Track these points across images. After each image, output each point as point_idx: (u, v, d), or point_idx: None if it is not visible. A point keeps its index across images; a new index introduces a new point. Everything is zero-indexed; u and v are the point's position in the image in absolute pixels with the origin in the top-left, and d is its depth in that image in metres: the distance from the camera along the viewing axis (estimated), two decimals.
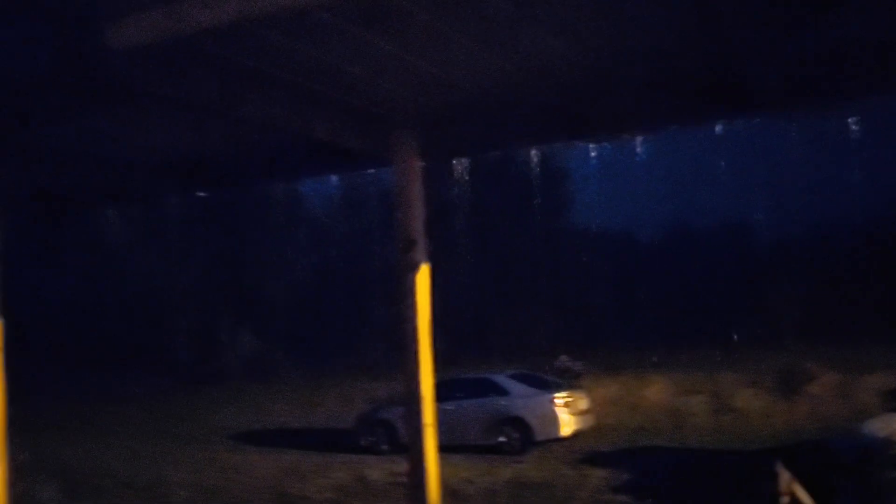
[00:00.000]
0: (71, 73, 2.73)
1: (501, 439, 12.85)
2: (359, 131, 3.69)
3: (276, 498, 10.22)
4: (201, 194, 5.27)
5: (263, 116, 3.23)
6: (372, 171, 4.33)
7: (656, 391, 16.02)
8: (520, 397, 13.16)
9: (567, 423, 12.86)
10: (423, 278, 3.97)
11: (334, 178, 35.24)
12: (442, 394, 13.95)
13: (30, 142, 4.07)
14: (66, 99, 3.43)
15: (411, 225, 3.90)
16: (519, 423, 12.92)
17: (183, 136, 3.72)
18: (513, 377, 13.66)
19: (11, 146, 4.06)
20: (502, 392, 13.15)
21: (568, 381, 15.10)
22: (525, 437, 12.87)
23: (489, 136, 3.95)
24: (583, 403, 13.48)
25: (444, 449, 12.25)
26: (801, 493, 5.62)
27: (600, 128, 3.77)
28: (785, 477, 5.54)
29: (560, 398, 12.99)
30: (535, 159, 30.46)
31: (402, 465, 12.31)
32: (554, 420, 12.83)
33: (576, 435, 13.00)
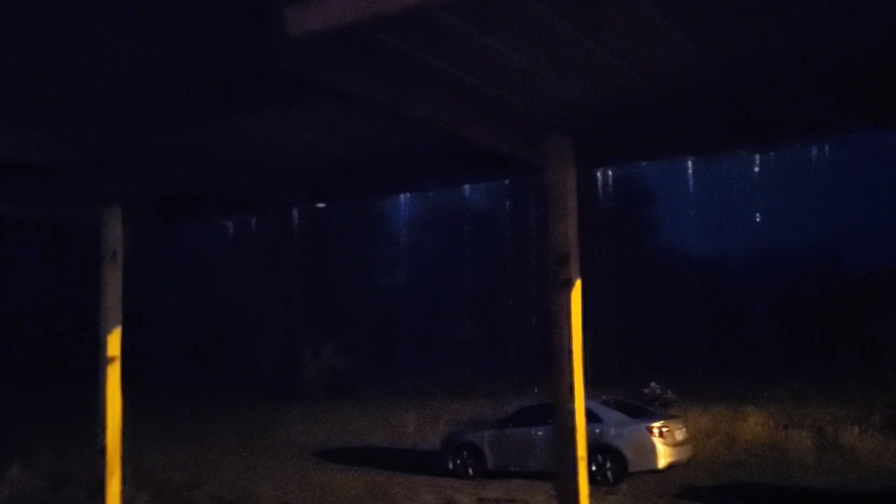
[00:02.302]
0: (240, 63, 2.56)
1: (592, 468, 12.34)
2: (515, 135, 3.43)
3: None
4: (320, 205, 5.09)
5: (425, 115, 3.00)
6: (502, 181, 4.04)
7: (754, 424, 15.24)
8: (613, 425, 12.62)
9: (663, 454, 12.26)
10: (576, 294, 3.66)
11: (418, 198, 35.40)
12: (530, 419, 13.69)
13: (161, 145, 3.97)
14: (213, 99, 3.28)
15: (565, 237, 3.61)
16: (612, 453, 12.37)
17: (331, 140, 3.53)
18: (605, 403, 13.12)
19: (141, 149, 3.95)
20: (594, 419, 12.58)
21: (658, 409, 14.50)
22: (618, 467, 12.31)
23: (653, 143, 3.64)
24: (679, 434, 12.85)
25: (532, 476, 11.91)
26: None
27: (784, 133, 3.40)
28: None
29: (656, 427, 12.42)
30: (621, 179, 29.90)
31: (489, 491, 12.05)
32: (650, 450, 12.24)
33: (671, 467, 12.40)
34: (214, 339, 29.85)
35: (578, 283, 3.70)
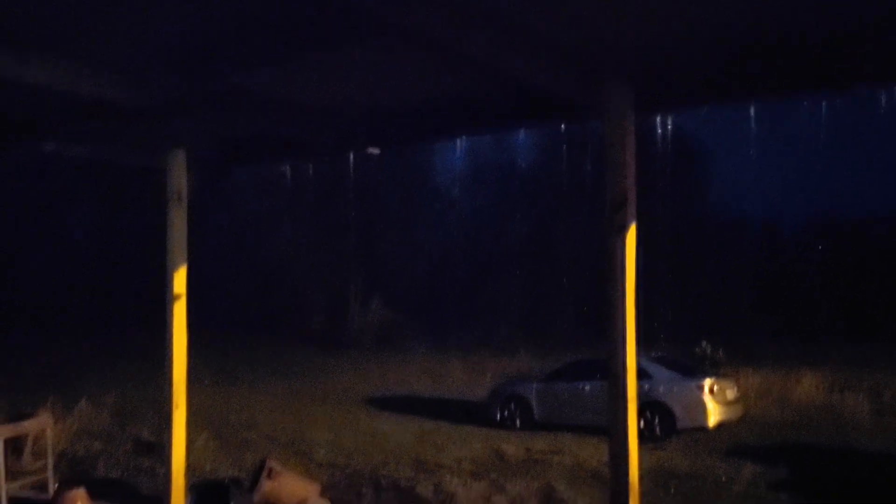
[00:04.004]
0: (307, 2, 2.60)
1: (641, 425, 12.37)
2: (575, 79, 3.42)
3: (413, 464, 10.21)
4: (373, 151, 5.15)
5: (485, 55, 3.01)
6: (571, 125, 4.04)
7: (808, 386, 15.06)
8: (663, 382, 12.60)
9: (713, 413, 12.23)
10: (631, 240, 3.67)
11: (467, 153, 35.34)
12: (579, 373, 13.73)
13: (227, 88, 4.05)
14: (277, 40, 3.34)
15: (622, 183, 3.60)
16: (661, 409, 12.38)
17: (389, 83, 3.57)
18: (656, 360, 13.09)
19: (208, 91, 4.05)
20: (644, 375, 12.54)
21: (709, 368, 14.40)
22: (667, 424, 12.33)
23: (713, 88, 3.58)
24: (730, 393, 12.78)
25: (579, 430, 11.98)
26: None
27: (857, 78, 3.31)
28: None
29: (707, 385, 12.37)
30: (677, 136, 29.33)
31: (536, 442, 12.19)
32: (699, 408, 12.23)
33: (721, 425, 12.36)
34: (266, 287, 30.51)
35: (634, 230, 3.70)
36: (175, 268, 5.22)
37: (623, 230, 3.61)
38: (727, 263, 27.64)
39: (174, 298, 5.32)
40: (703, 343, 16.66)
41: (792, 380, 15.43)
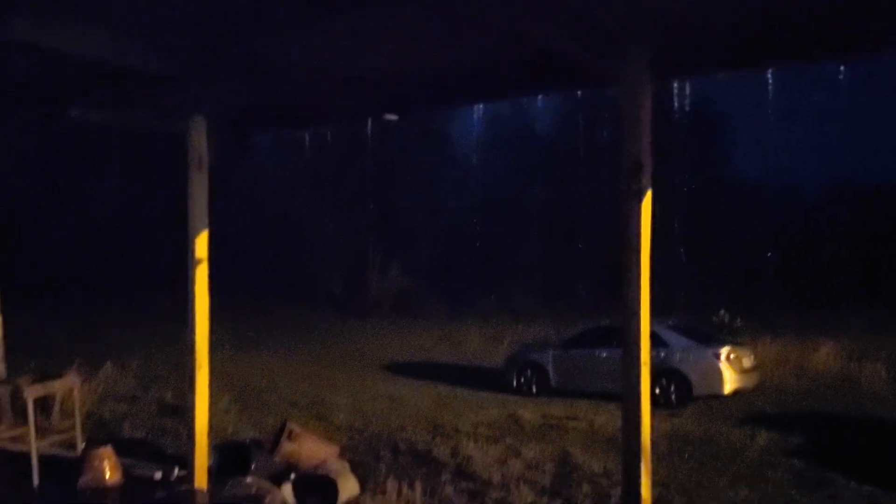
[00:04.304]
0: None
1: (657, 392, 12.42)
2: (593, 44, 3.42)
3: (431, 428, 10.35)
4: (391, 117, 5.19)
5: (505, 21, 3.03)
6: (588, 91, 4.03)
7: (825, 355, 15.03)
8: (679, 349, 12.65)
9: (729, 380, 12.28)
10: (646, 206, 3.70)
11: (484, 121, 35.19)
12: (595, 340, 13.78)
13: (247, 54, 4.09)
14: (296, 6, 3.37)
15: (639, 147, 3.62)
16: (677, 377, 12.45)
17: (409, 49, 3.59)
18: (672, 328, 13.12)
19: (229, 57, 4.09)
20: (660, 342, 12.60)
21: (727, 336, 14.41)
22: (683, 391, 12.40)
23: (736, 52, 3.57)
24: (747, 361, 12.81)
25: (595, 397, 12.05)
26: None
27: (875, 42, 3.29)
28: None
29: (723, 353, 12.40)
30: (695, 101, 28.98)
31: (553, 409, 12.30)
32: (716, 375, 12.28)
33: (737, 393, 12.41)
34: (287, 253, 30.73)
35: (649, 196, 3.72)
36: (196, 233, 5.30)
37: (639, 196, 3.64)
38: (746, 230, 27.44)
39: (196, 263, 5.41)
40: (721, 311, 16.66)
41: (810, 348, 15.40)
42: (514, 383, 14.28)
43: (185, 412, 6.08)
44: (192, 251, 5.37)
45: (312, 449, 6.81)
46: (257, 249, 30.31)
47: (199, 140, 5.12)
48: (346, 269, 29.96)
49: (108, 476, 5.76)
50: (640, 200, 3.65)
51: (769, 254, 26.56)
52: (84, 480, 5.69)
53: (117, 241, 26.99)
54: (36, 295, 21.03)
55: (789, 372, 14.42)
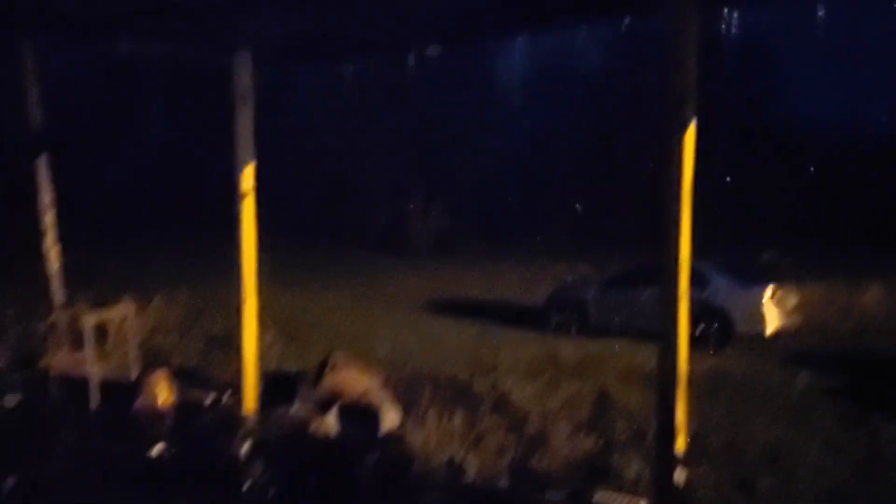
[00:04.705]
0: None
1: (698, 330, 12.38)
2: None
3: (471, 364, 10.49)
4: (433, 51, 5.15)
5: None
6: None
7: (872, 296, 14.81)
8: (722, 288, 12.57)
9: (772, 320, 12.20)
10: (689, 138, 3.66)
11: (526, 59, 34.56)
12: (636, 279, 13.75)
13: None
14: None
15: (684, 79, 3.57)
16: (719, 316, 12.39)
17: None
18: (715, 266, 12.99)
19: None
20: (703, 281, 12.50)
21: (773, 276, 14.22)
22: (724, 331, 12.36)
23: None
24: (791, 301, 12.68)
25: (636, 336, 12.07)
26: None
27: None
28: None
29: (767, 292, 12.28)
30: (745, 36, 28.04)
31: (593, 347, 12.36)
32: (758, 315, 12.20)
33: (780, 334, 12.33)
34: (328, 192, 30.93)
35: (693, 128, 3.68)
36: (243, 166, 5.40)
37: (682, 128, 3.60)
38: (795, 169, 26.77)
39: (242, 196, 5.52)
40: (767, 251, 16.41)
41: (856, 289, 15.17)
42: (555, 322, 14.37)
43: (233, 343, 6.29)
44: (239, 184, 5.48)
45: (355, 380, 7.00)
46: (300, 187, 30.56)
47: (244, 73, 5.18)
48: (387, 208, 30.11)
49: (161, 399, 6.02)
50: (683, 133, 3.61)
51: (818, 194, 25.94)
52: (139, 403, 5.97)
53: (166, 174, 27.44)
54: (89, 227, 21.56)
55: (834, 313, 14.24)
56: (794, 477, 5.92)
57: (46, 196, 8.10)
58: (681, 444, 4.35)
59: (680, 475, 4.39)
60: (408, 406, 7.18)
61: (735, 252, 17.52)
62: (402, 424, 6.66)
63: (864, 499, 5.47)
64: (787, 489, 5.65)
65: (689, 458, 5.28)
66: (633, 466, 5.89)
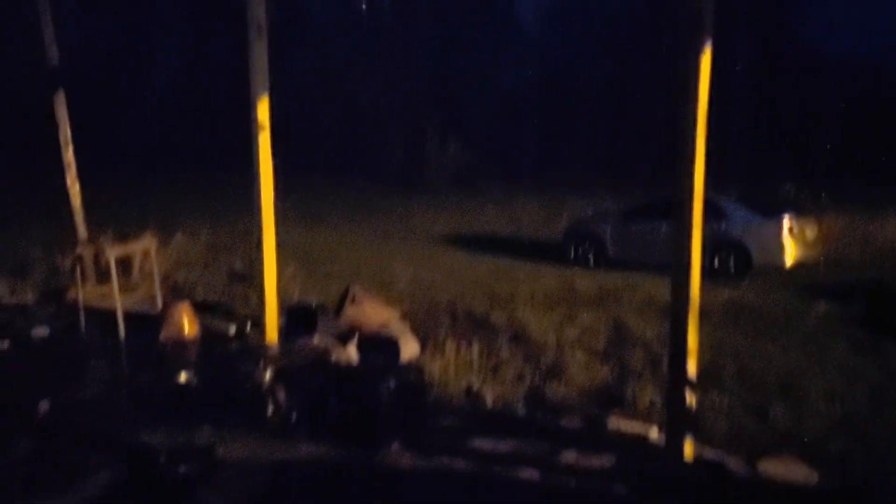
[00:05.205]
0: None
1: (716, 263, 12.40)
2: None
3: (488, 296, 10.61)
4: None
5: None
6: None
7: (892, 228, 14.67)
8: (740, 221, 12.50)
9: (791, 252, 12.15)
10: (705, 62, 3.62)
11: None
12: (655, 212, 13.70)
13: None
14: None
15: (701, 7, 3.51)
16: (737, 248, 12.36)
17: None
18: (734, 199, 12.92)
19: None
20: (721, 214, 12.47)
21: (793, 208, 14.13)
22: (742, 263, 12.33)
23: None
24: (810, 233, 12.61)
25: (652, 268, 12.07)
26: None
27: None
28: None
29: (785, 224, 12.21)
30: None
31: (610, 280, 12.41)
32: (777, 247, 12.15)
33: (799, 265, 12.30)
34: (344, 127, 30.80)
35: (709, 52, 3.64)
36: (257, 99, 5.41)
37: (698, 51, 3.56)
38: (816, 100, 26.24)
39: (258, 129, 5.55)
40: (786, 183, 16.27)
41: (878, 221, 15.04)
42: (572, 255, 14.41)
43: (254, 278, 6.41)
44: (255, 118, 5.50)
45: (375, 312, 7.13)
46: (316, 122, 30.45)
47: (258, 4, 5.14)
48: (404, 143, 29.98)
49: (186, 330, 6.18)
50: (699, 56, 3.57)
51: (839, 125, 25.46)
52: (165, 334, 6.13)
53: (183, 110, 27.43)
54: (108, 164, 21.72)
55: (854, 245, 14.17)
56: (807, 403, 6.01)
57: (65, 132, 8.17)
58: (693, 369, 4.43)
59: (691, 399, 4.48)
60: (426, 337, 7.32)
61: (754, 184, 17.37)
62: (421, 355, 6.79)
63: (878, 424, 5.55)
64: (800, 415, 5.75)
65: (703, 385, 5.39)
66: (647, 394, 6.01)
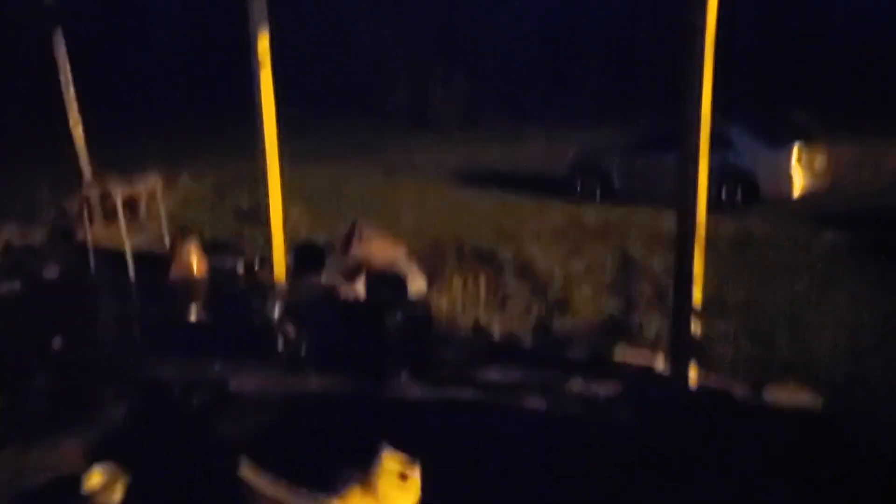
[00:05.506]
0: None
1: (722, 194, 12.32)
2: None
3: (494, 232, 10.61)
4: None
5: None
6: None
7: None
8: (747, 150, 12.36)
9: (799, 182, 12.06)
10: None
11: None
12: (661, 145, 13.56)
13: None
14: None
15: None
16: (744, 178, 12.26)
17: None
18: (740, 128, 12.74)
19: None
20: (727, 143, 12.28)
21: (802, 137, 13.95)
22: (749, 193, 12.26)
23: None
24: (820, 161, 12.48)
25: (658, 201, 11.99)
26: None
27: None
28: None
29: (794, 153, 12.08)
30: None
31: (616, 213, 12.37)
32: (785, 177, 12.05)
33: (808, 195, 12.22)
34: (348, 64, 30.38)
35: None
36: (257, 35, 5.32)
37: None
38: (827, 24, 25.63)
39: (259, 65, 5.47)
40: (796, 110, 15.96)
41: (890, 150, 14.84)
42: (578, 189, 14.35)
43: (261, 216, 6.41)
44: (255, 54, 5.42)
45: (381, 249, 7.15)
46: (319, 59, 30.03)
47: None
48: (409, 80, 29.58)
49: (195, 267, 6.22)
50: None
51: (851, 50, 24.90)
52: (174, 272, 6.18)
53: (184, 47, 27.05)
54: (108, 103, 21.52)
55: (866, 173, 14.03)
56: (813, 331, 6.04)
57: (65, 71, 8.08)
58: (698, 298, 4.45)
59: (696, 328, 4.52)
60: (433, 273, 7.36)
61: (763, 113, 17.08)
62: (428, 290, 6.84)
63: (884, 351, 5.59)
64: (805, 342, 5.78)
65: (708, 314, 5.42)
66: (654, 325, 6.05)
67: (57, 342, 5.39)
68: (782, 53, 25.19)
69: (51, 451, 3.93)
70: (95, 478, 3.46)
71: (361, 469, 2.17)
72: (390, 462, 2.16)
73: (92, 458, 3.65)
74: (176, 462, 3.78)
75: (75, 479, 3.45)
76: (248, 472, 2.03)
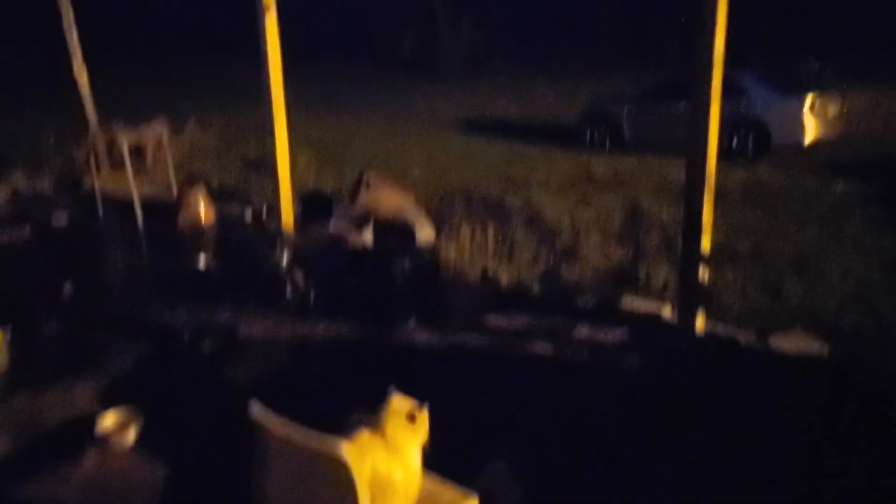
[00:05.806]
0: None
1: (734, 143, 12.20)
2: None
3: (503, 181, 10.56)
4: None
5: None
6: None
7: None
8: (760, 98, 12.19)
9: (811, 130, 11.90)
10: None
11: None
12: (671, 93, 13.37)
13: None
14: None
15: None
16: (756, 127, 12.11)
17: None
18: (753, 76, 12.55)
19: None
20: (739, 91, 12.13)
21: (814, 85, 13.74)
22: (761, 141, 12.12)
23: None
24: (832, 110, 12.30)
25: (668, 150, 11.90)
26: None
27: None
28: None
29: (806, 101, 11.90)
30: None
31: (625, 163, 12.28)
32: (797, 125, 11.89)
33: (820, 144, 12.08)
34: (352, 11, 29.93)
35: None
36: None
37: None
38: None
39: (264, 10, 5.38)
40: (809, 59, 15.72)
41: None
42: (588, 138, 14.22)
43: (268, 164, 6.38)
44: None
45: (389, 197, 7.12)
46: (323, 6, 29.58)
47: None
48: (415, 27, 29.14)
49: (203, 215, 6.22)
50: None
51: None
52: (182, 219, 6.18)
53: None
54: (113, 49, 21.31)
55: (878, 121, 13.86)
56: (821, 280, 6.03)
57: (68, 16, 7.98)
58: (706, 246, 4.43)
59: (704, 276, 4.51)
60: (441, 222, 7.34)
61: (775, 61, 16.82)
62: (437, 239, 6.83)
63: (891, 299, 5.58)
64: (813, 291, 5.78)
65: (717, 263, 5.40)
66: (662, 274, 6.04)
67: (67, 289, 5.42)
68: (796, 1, 24.65)
69: (64, 394, 3.99)
70: (109, 419, 3.52)
71: (370, 411, 2.19)
72: (399, 403, 2.18)
73: (104, 402, 3.71)
74: (187, 405, 3.84)
75: (90, 421, 3.51)
76: (258, 412, 2.05)
